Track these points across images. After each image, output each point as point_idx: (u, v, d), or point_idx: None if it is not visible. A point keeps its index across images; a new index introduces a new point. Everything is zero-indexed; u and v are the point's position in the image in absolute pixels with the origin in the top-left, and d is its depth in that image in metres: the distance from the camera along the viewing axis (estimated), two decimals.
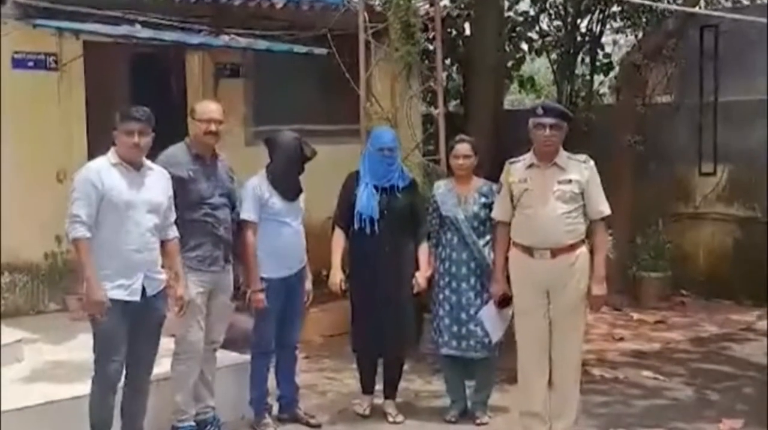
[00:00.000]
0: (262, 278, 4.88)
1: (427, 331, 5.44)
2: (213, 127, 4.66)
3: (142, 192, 4.21)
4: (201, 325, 4.70)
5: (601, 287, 4.60)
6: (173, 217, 4.41)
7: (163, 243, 4.35)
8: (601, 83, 11.17)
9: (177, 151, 4.71)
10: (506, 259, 4.77)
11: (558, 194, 4.54)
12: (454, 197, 5.10)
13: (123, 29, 6.71)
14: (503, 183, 4.75)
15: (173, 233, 4.42)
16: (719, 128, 9.03)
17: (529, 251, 4.58)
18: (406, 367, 5.47)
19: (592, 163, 4.65)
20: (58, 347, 5.72)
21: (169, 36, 6.82)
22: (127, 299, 4.16)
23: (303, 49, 7.35)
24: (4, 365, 4.93)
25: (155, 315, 4.32)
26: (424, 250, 5.13)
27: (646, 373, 6.35)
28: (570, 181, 4.55)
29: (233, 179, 4.87)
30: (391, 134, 5.32)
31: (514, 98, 14.56)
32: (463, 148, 5.15)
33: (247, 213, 4.87)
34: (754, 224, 8.82)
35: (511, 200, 4.68)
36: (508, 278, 4.80)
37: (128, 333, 4.20)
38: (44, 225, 6.55)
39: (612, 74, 10.77)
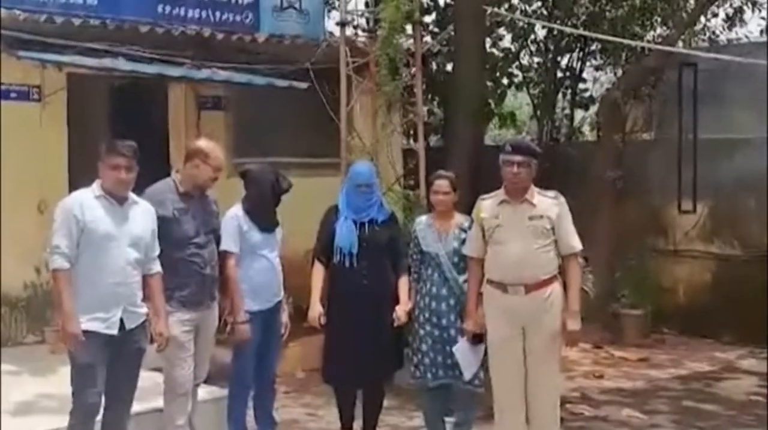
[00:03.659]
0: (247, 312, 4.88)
1: (407, 366, 5.31)
2: (218, 175, 4.70)
3: (125, 226, 4.18)
4: (189, 363, 4.64)
5: (576, 322, 4.58)
6: (156, 252, 4.36)
7: (145, 277, 4.31)
8: (581, 119, 11.28)
9: (163, 188, 4.65)
10: (480, 295, 4.75)
11: (530, 230, 4.55)
12: (434, 233, 5.05)
13: (106, 61, 6.71)
14: (474, 219, 4.77)
15: (156, 267, 4.37)
16: (698, 165, 9.10)
17: (502, 286, 4.58)
18: (386, 402, 5.40)
19: (562, 199, 4.67)
20: (42, 379, 5.69)
21: (151, 69, 6.81)
22: (105, 331, 4.11)
23: (284, 83, 7.37)
24: None
25: (134, 349, 4.27)
26: (403, 283, 5.10)
27: (627, 411, 6.32)
28: (541, 216, 4.57)
29: (218, 214, 4.85)
30: (369, 170, 5.31)
31: (496, 134, 14.67)
32: (442, 184, 5.10)
33: (227, 244, 4.85)
34: (734, 262, 8.87)
35: (483, 236, 4.68)
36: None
37: (107, 366, 4.16)
38: (24, 255, 6.52)
39: (592, 110, 10.89)
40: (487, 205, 4.70)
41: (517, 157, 4.54)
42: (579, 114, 11.13)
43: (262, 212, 4.98)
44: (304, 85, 7.43)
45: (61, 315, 4.10)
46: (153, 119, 7.64)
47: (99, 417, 4.26)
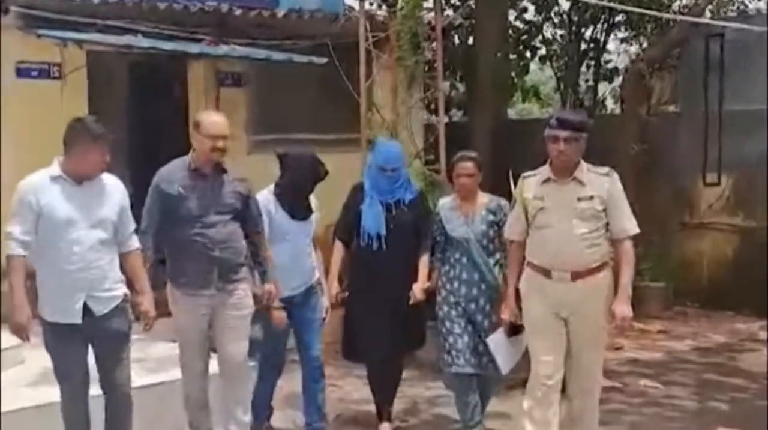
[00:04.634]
0: None
1: (431, 341, 5.22)
2: (220, 144, 4.35)
3: (85, 207, 3.94)
4: (201, 354, 4.48)
5: (627, 308, 4.21)
6: (132, 227, 4.15)
7: (123, 256, 4.12)
8: (605, 92, 11.18)
9: (175, 165, 4.48)
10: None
11: (578, 212, 4.17)
12: (460, 216, 4.87)
13: (125, 39, 6.78)
14: (516, 199, 4.41)
15: (134, 244, 4.15)
16: (724, 138, 8.99)
17: (546, 272, 4.23)
18: (406, 373, 5.38)
19: (616, 175, 4.28)
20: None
21: (170, 45, 6.87)
22: (69, 321, 3.94)
23: (303, 58, 7.40)
24: (5, 368, 4.94)
25: (110, 334, 4.06)
26: (424, 262, 4.96)
27: (645, 381, 6.33)
28: (591, 197, 4.18)
29: (242, 195, 4.51)
30: (396, 152, 5.06)
31: (522, 108, 14.60)
32: (465, 167, 4.86)
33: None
34: (758, 234, 8.78)
35: (526, 218, 4.32)
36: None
37: (95, 353, 4.06)
38: None
39: (616, 83, 10.79)
40: (531, 183, 4.32)
41: (564, 133, 4.15)
42: (603, 87, 11.03)
43: (293, 199, 4.80)
44: (323, 60, 7.44)
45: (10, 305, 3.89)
46: (173, 97, 7.72)
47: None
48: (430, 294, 4.98)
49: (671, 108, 9.76)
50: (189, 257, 4.37)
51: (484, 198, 4.90)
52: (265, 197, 4.76)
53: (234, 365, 4.50)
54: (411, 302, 4.91)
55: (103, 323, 4.01)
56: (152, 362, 5.38)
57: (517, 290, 4.44)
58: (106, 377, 4.12)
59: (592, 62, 10.85)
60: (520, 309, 4.42)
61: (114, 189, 4.07)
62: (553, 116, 4.33)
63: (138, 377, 4.81)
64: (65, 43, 6.76)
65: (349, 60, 7.58)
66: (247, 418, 4.57)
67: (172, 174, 4.41)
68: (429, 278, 4.99)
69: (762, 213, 8.74)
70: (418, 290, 4.93)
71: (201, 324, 4.44)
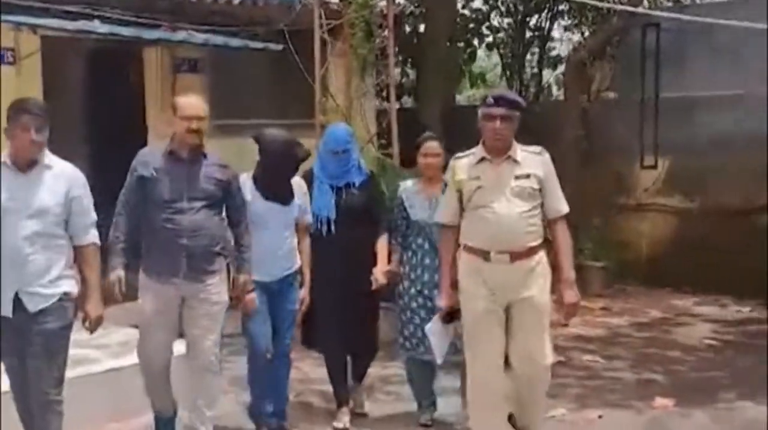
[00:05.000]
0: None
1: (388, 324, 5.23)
2: (194, 125, 4.24)
3: (25, 196, 3.71)
4: (158, 337, 4.31)
5: (574, 293, 4.17)
6: (89, 219, 3.90)
7: (77, 249, 3.89)
8: (550, 79, 11.52)
9: (153, 148, 4.43)
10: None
11: (516, 191, 4.09)
12: (423, 200, 4.79)
13: (80, 24, 6.78)
14: (449, 182, 4.29)
15: (88, 238, 3.90)
16: (660, 123, 9.39)
17: (484, 254, 4.09)
18: None
19: (548, 155, 4.22)
20: None
21: (126, 31, 6.91)
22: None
23: (259, 45, 7.52)
24: None
25: (43, 331, 3.78)
26: (382, 244, 4.92)
27: (588, 357, 6.67)
28: (528, 175, 4.11)
29: (221, 181, 4.33)
30: (345, 134, 5.03)
31: (469, 94, 14.89)
32: (431, 146, 4.81)
33: None
34: (693, 215, 9.24)
35: (460, 201, 4.20)
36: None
37: (26, 352, 3.82)
38: None
39: (560, 70, 11.13)
40: (463, 164, 4.20)
41: (500, 110, 4.08)
42: (547, 74, 11.37)
43: (270, 182, 4.61)
44: (279, 47, 7.58)
45: None
46: (129, 83, 7.76)
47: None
48: (393, 276, 4.90)
49: (610, 95, 10.14)
50: (158, 243, 4.25)
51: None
52: (242, 182, 4.60)
53: (201, 360, 4.35)
54: (374, 286, 4.85)
55: (36, 321, 3.76)
56: (115, 347, 5.42)
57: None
58: (31, 376, 3.83)
59: (537, 50, 11.18)
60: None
61: (62, 178, 3.81)
62: (489, 95, 4.23)
63: (100, 363, 5.07)
64: (19, 28, 6.74)
65: (303, 47, 7.75)
66: (211, 413, 4.42)
67: (149, 156, 4.34)
68: (389, 261, 4.91)
69: (695, 194, 9.21)
70: (379, 274, 4.85)
71: (167, 313, 4.29)
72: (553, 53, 11.33)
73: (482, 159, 4.18)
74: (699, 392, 5.73)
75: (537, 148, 4.23)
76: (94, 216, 3.94)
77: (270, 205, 4.62)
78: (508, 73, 11.39)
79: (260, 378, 4.75)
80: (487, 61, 13.22)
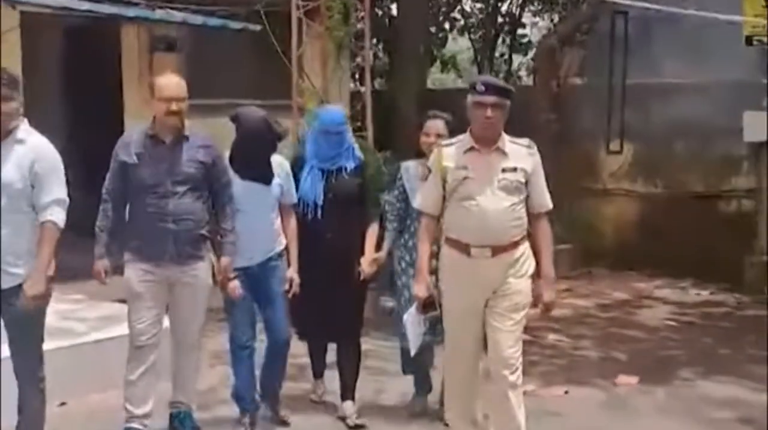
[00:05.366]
0: None
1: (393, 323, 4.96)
2: (174, 107, 4.11)
3: None
4: (146, 316, 4.24)
5: (552, 291, 4.10)
6: (49, 197, 3.72)
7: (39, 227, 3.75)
8: (519, 64, 11.71)
9: (135, 131, 4.30)
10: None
11: (503, 184, 3.94)
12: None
13: (61, 0, 6.80)
14: (433, 169, 4.11)
15: (46, 215, 3.73)
16: (626, 109, 9.63)
17: (465, 248, 3.96)
18: None
19: (536, 148, 4.07)
20: None
21: (106, 8, 6.93)
22: None
23: (238, 25, 7.58)
24: None
25: (12, 312, 3.73)
26: (371, 233, 4.75)
27: (553, 336, 6.90)
28: (515, 169, 3.96)
29: (204, 163, 4.23)
30: (340, 116, 4.81)
31: (435, 78, 15.04)
32: (435, 125, 4.58)
33: None
34: (656, 200, 9.52)
35: (444, 189, 4.04)
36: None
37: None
38: None
39: (530, 55, 11.33)
40: (450, 152, 4.03)
41: (491, 98, 3.90)
42: (517, 59, 11.56)
43: (246, 161, 4.43)
44: (257, 27, 7.64)
45: None
46: (106, 60, 7.78)
47: None
48: (382, 266, 4.77)
49: (578, 80, 10.36)
50: (143, 228, 4.20)
51: None
52: None
53: (185, 343, 4.36)
54: (362, 277, 4.72)
55: (7, 300, 3.70)
56: (98, 322, 5.52)
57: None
58: (14, 362, 3.82)
59: (508, 36, 11.36)
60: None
61: (31, 152, 3.68)
62: (478, 81, 4.01)
63: (85, 335, 5.19)
64: None
65: (280, 28, 7.83)
66: (193, 385, 4.50)
67: (131, 140, 4.24)
68: (378, 249, 4.75)
69: (660, 179, 9.48)
70: (366, 264, 4.70)
71: (153, 292, 4.25)
72: (524, 40, 11.51)
73: (471, 148, 4.01)
74: (659, 370, 5.98)
75: (525, 141, 4.07)
76: (58, 194, 3.74)
77: (248, 184, 4.44)
78: (478, 57, 11.55)
79: (242, 368, 4.59)
80: (455, 45, 13.35)
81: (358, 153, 4.85)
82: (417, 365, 4.84)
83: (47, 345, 4.91)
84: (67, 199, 3.82)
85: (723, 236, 8.77)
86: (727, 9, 7.70)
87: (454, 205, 4.02)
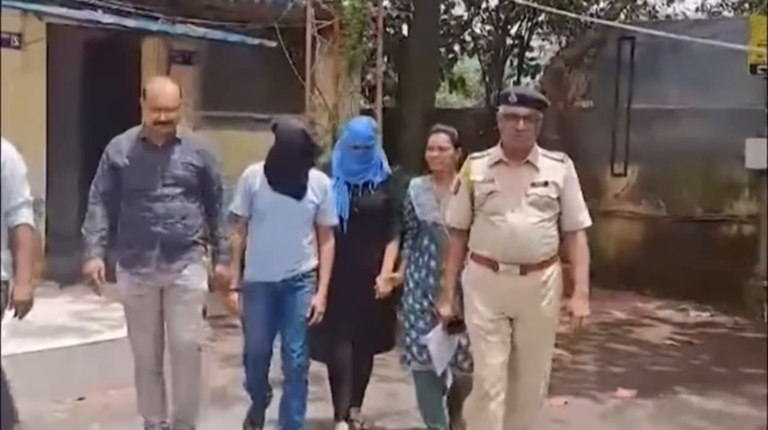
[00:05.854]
0: (248, 282, 4.34)
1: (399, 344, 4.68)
2: (163, 117, 4.00)
3: None
4: (143, 333, 4.17)
5: (585, 307, 3.89)
6: (18, 200, 3.75)
7: (10, 231, 3.76)
8: (527, 86, 11.91)
9: (127, 134, 4.19)
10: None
11: (532, 199, 3.79)
12: (432, 199, 4.42)
13: (85, 13, 7.03)
14: (462, 182, 3.96)
15: (19, 218, 3.74)
16: (631, 133, 9.81)
17: (493, 265, 3.81)
18: None
19: (570, 162, 3.92)
20: None
21: (130, 22, 7.17)
22: None
23: (255, 41, 7.80)
24: None
25: None
26: (390, 250, 4.56)
27: (556, 350, 7.01)
28: (546, 183, 3.80)
29: (196, 167, 4.14)
30: (367, 129, 4.61)
31: (440, 97, 15.27)
32: (438, 139, 4.42)
33: (233, 205, 4.33)
34: (659, 222, 9.69)
35: (472, 203, 3.92)
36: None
37: None
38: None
39: (538, 78, 11.54)
40: (479, 165, 3.89)
41: (524, 110, 3.76)
42: (525, 81, 11.76)
43: (277, 171, 4.28)
44: (273, 43, 7.87)
45: None
46: (127, 71, 8.00)
47: None
48: (400, 286, 4.58)
49: (585, 103, 10.57)
50: (132, 232, 4.11)
51: None
52: (252, 170, 4.37)
53: (179, 351, 4.20)
54: (377, 296, 4.52)
55: None
56: (110, 321, 5.58)
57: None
58: None
59: (516, 58, 11.57)
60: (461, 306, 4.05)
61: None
62: (511, 92, 3.88)
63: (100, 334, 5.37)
64: (26, 14, 6.96)
65: (294, 45, 8.06)
66: (193, 401, 4.29)
67: (122, 143, 4.15)
68: (396, 268, 4.57)
69: (663, 202, 9.65)
70: (382, 283, 4.50)
71: (146, 303, 4.15)
72: (532, 62, 11.72)
73: (499, 161, 3.86)
74: (655, 384, 6.12)
75: (559, 155, 3.93)
76: (26, 196, 3.76)
77: (277, 196, 4.28)
78: (487, 78, 11.76)
79: (255, 392, 4.45)
80: (463, 66, 13.57)
81: (386, 167, 4.70)
82: (428, 390, 4.54)
83: (67, 343, 5.22)
84: (32, 198, 3.84)
85: (724, 260, 8.92)
86: (732, 38, 7.92)
87: (481, 220, 3.88)
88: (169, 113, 4.02)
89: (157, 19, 7.52)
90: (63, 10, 6.96)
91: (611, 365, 6.73)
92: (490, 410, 3.88)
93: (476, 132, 8.54)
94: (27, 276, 3.75)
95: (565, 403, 5.65)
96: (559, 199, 3.84)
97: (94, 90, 8.35)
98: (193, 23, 7.76)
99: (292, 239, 4.31)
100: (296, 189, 4.31)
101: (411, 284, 4.53)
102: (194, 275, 4.16)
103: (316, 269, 4.38)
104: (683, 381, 6.26)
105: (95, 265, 4.07)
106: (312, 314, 4.31)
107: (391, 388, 5.44)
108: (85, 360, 5.18)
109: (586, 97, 10.54)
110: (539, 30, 11.56)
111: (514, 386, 3.93)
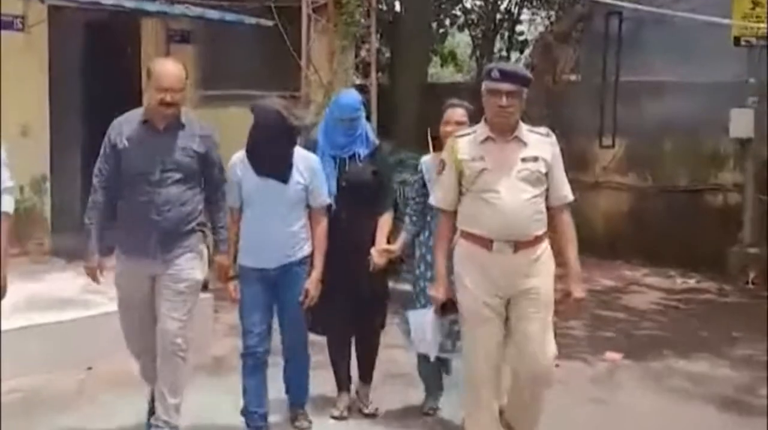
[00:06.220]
0: (241, 267, 4.31)
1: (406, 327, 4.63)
2: (168, 98, 3.91)
3: None
4: (134, 319, 4.14)
5: (582, 288, 3.94)
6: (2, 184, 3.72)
7: None
8: (516, 60, 12.12)
9: (128, 116, 4.10)
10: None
11: (524, 175, 3.74)
12: None
13: None
14: (448, 162, 3.88)
15: None
16: (618, 106, 10.01)
17: (486, 243, 3.75)
18: None
19: (554, 137, 3.90)
20: (30, 283, 6.32)
21: (129, 3, 7.30)
22: None
23: (252, 20, 7.95)
24: None
25: None
26: (384, 221, 4.54)
27: None
28: (536, 158, 3.76)
29: (197, 152, 4.04)
30: (354, 101, 4.57)
31: (432, 72, 15.45)
32: (455, 113, 4.37)
33: (227, 194, 4.25)
34: (646, 192, 9.94)
35: (460, 183, 3.85)
36: None
37: None
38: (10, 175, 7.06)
39: (527, 52, 11.73)
40: (465, 144, 3.83)
41: (508, 86, 3.71)
42: (514, 56, 11.94)
43: (259, 154, 4.19)
44: (270, 22, 8.02)
45: None
46: (127, 52, 8.15)
47: None
48: (396, 260, 4.61)
49: (573, 77, 10.76)
50: (130, 217, 4.04)
51: None
52: (237, 158, 4.30)
53: (166, 341, 4.08)
54: (371, 268, 4.51)
55: None
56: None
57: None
58: None
59: (506, 33, 11.74)
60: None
61: None
62: (494, 68, 3.82)
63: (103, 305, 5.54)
64: None
65: (289, 23, 8.22)
66: (174, 401, 4.14)
67: (123, 125, 4.06)
68: (390, 241, 4.56)
69: (650, 173, 9.89)
70: (376, 254, 4.48)
71: (141, 291, 4.10)
72: (521, 37, 11.89)
73: (487, 138, 3.81)
74: (642, 348, 6.42)
75: (543, 130, 3.90)
76: (6, 182, 3.73)
77: (262, 181, 4.20)
78: (478, 53, 11.94)
79: (251, 380, 4.39)
80: (453, 41, 13.72)
81: (372, 137, 4.65)
82: (431, 368, 4.62)
83: (75, 315, 5.43)
84: (12, 184, 3.80)
85: (709, 228, 9.20)
86: (716, 11, 8.12)
87: (472, 199, 3.81)
88: (175, 94, 3.94)
89: (155, 0, 7.66)
90: None
91: (600, 330, 6.99)
92: (485, 393, 3.89)
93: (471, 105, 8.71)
94: (3, 263, 3.67)
95: (557, 365, 5.89)
96: (547, 174, 3.82)
97: (94, 70, 8.49)
98: (191, 4, 7.89)
99: (282, 224, 4.24)
100: (280, 171, 4.21)
101: (422, 267, 4.47)
102: (188, 263, 4.07)
103: (311, 255, 4.34)
104: (669, 345, 6.54)
105: (94, 261, 4.11)
106: (305, 297, 4.30)
107: (390, 354, 5.47)
108: (92, 331, 5.41)
109: (575, 71, 10.72)
110: (528, 5, 11.70)
111: (516, 371, 3.90)
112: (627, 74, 9.98)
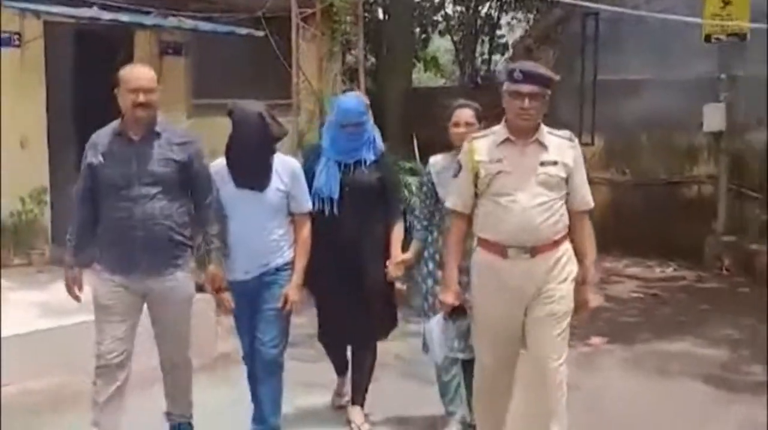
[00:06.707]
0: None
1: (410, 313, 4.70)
2: (141, 98, 3.73)
3: None
4: (119, 334, 3.88)
5: (598, 297, 3.90)
6: None
7: None
8: (497, 63, 12.46)
9: (103, 130, 3.93)
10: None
11: (542, 178, 3.61)
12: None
13: (82, 11, 7.39)
14: (464, 164, 3.75)
15: None
16: (597, 104, 10.32)
17: (501, 250, 3.62)
18: None
19: (577, 141, 3.78)
20: (34, 291, 6.55)
21: (124, 17, 7.55)
22: None
23: (243, 31, 8.22)
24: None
25: None
26: (396, 232, 4.39)
27: None
28: (555, 162, 3.63)
29: (177, 162, 3.85)
30: (358, 106, 4.37)
31: (415, 77, 15.78)
32: (464, 114, 4.24)
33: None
34: (625, 187, 10.29)
35: (476, 186, 3.70)
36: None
37: None
38: (10, 187, 7.31)
39: (507, 55, 12.07)
40: (483, 145, 3.69)
41: (528, 87, 3.58)
42: (495, 59, 12.26)
43: (239, 162, 4.03)
44: (261, 33, 8.28)
45: None
46: (121, 64, 8.33)
47: None
48: (410, 268, 4.50)
49: None
50: (111, 235, 3.85)
51: None
52: (217, 164, 4.11)
53: (172, 361, 4.05)
54: (388, 279, 4.42)
55: None
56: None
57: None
58: None
59: (487, 37, 12.07)
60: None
61: None
62: (516, 69, 3.66)
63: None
64: (24, 13, 7.25)
65: (278, 33, 8.50)
66: (186, 400, 4.19)
67: (99, 139, 3.90)
68: (404, 249, 4.42)
69: (628, 168, 10.22)
70: (392, 267, 4.37)
71: (125, 310, 3.90)
72: (502, 41, 12.22)
73: (506, 140, 3.68)
74: (623, 332, 6.76)
75: (566, 133, 3.78)
76: None
77: (239, 190, 4.05)
78: (461, 57, 12.27)
79: (252, 388, 4.31)
80: (434, 46, 13.99)
81: (379, 144, 4.47)
82: (448, 380, 4.42)
83: (71, 320, 5.55)
84: None
85: (685, 219, 9.58)
86: (688, 11, 8.47)
87: (487, 202, 3.68)
88: (148, 94, 3.77)
89: (149, 13, 7.91)
90: (60, 9, 7.31)
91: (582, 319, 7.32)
92: (498, 401, 3.82)
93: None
94: None
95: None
96: (567, 179, 3.67)
97: (89, 83, 8.64)
98: (184, 16, 8.15)
99: (260, 233, 4.08)
100: (257, 180, 4.06)
101: (431, 266, 4.36)
102: (181, 280, 3.93)
103: (292, 262, 4.16)
104: (650, 329, 6.88)
105: (71, 277, 3.95)
106: (285, 304, 4.12)
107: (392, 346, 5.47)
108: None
109: (554, 71, 10.97)
110: (508, 9, 12.03)
111: (534, 371, 3.73)
112: (604, 73, 10.27)
